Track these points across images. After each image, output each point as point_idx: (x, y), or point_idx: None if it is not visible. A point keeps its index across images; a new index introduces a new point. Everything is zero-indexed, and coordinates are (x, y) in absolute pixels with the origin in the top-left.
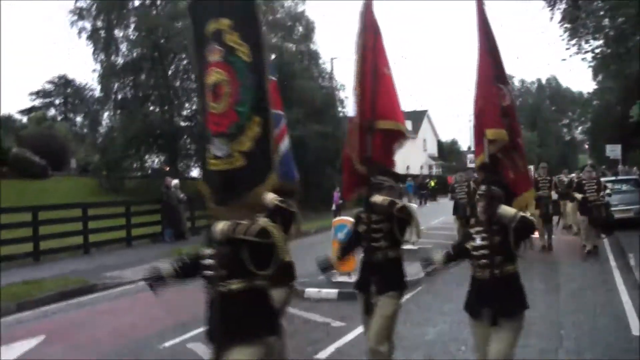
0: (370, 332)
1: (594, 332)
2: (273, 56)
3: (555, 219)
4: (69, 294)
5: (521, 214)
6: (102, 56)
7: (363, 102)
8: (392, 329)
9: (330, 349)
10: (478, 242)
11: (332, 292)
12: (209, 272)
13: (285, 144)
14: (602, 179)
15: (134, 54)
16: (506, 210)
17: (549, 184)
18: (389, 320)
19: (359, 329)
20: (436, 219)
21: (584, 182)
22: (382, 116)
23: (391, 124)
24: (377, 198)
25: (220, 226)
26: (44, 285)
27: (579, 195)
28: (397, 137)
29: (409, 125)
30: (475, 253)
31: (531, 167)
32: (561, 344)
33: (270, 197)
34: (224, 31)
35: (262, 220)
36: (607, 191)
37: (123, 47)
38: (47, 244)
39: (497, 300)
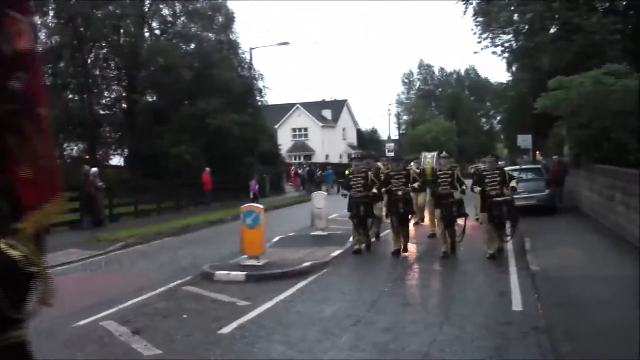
0: None
1: (478, 308)
2: (192, 45)
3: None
4: None
5: None
6: None
7: None
8: None
9: (234, 324)
10: None
11: (240, 274)
12: None
13: None
14: (508, 169)
15: (53, 42)
16: None
17: (451, 178)
18: None
19: (262, 308)
20: None
21: (484, 173)
22: None
23: None
24: None
25: None
26: None
27: (477, 189)
28: None
29: (328, 114)
30: None
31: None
32: (447, 319)
33: None
34: None
35: None
36: (513, 184)
37: (42, 34)
38: None
39: None
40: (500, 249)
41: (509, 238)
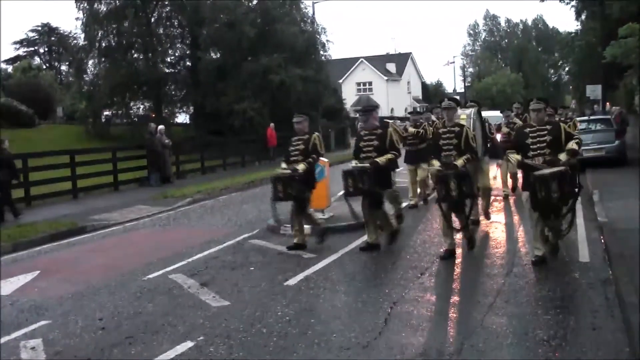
0: None
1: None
2: (255, 1)
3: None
4: (60, 236)
5: None
6: (85, 4)
7: None
8: None
9: (300, 276)
10: None
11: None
12: None
13: None
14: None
15: (117, 2)
16: None
17: (458, 139)
18: None
19: (327, 260)
20: None
21: (527, 130)
22: None
23: None
24: None
25: None
26: (36, 228)
27: (514, 157)
28: None
29: (392, 67)
30: None
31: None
32: (512, 270)
33: None
34: None
35: None
36: (572, 145)
37: None
38: (37, 189)
39: None
40: (554, 246)
41: (564, 232)
